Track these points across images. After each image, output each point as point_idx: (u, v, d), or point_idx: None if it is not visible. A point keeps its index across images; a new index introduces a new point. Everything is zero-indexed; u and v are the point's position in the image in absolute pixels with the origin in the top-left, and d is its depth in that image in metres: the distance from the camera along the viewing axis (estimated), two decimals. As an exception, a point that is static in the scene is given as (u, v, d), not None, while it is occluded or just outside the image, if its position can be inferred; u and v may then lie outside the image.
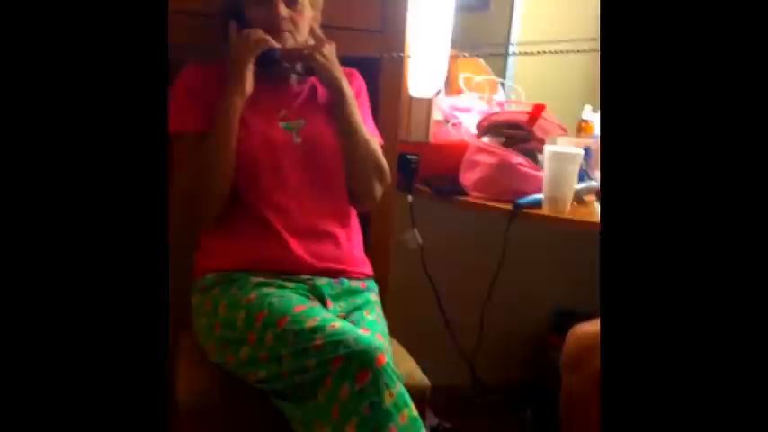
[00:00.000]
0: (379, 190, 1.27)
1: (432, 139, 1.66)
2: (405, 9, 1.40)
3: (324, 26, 1.29)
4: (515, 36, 1.88)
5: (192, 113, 1.18)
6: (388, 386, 0.96)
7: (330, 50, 1.21)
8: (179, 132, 1.18)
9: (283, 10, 1.18)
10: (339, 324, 1.02)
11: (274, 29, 1.18)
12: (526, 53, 1.56)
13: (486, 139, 1.60)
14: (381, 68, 1.40)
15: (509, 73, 1.88)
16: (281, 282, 1.14)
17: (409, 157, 1.60)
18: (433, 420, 1.68)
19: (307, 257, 1.17)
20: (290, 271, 1.16)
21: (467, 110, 1.74)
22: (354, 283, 1.21)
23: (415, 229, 1.62)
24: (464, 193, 1.59)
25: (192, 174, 1.15)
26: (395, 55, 1.39)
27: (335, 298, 1.17)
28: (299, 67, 1.24)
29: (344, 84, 1.21)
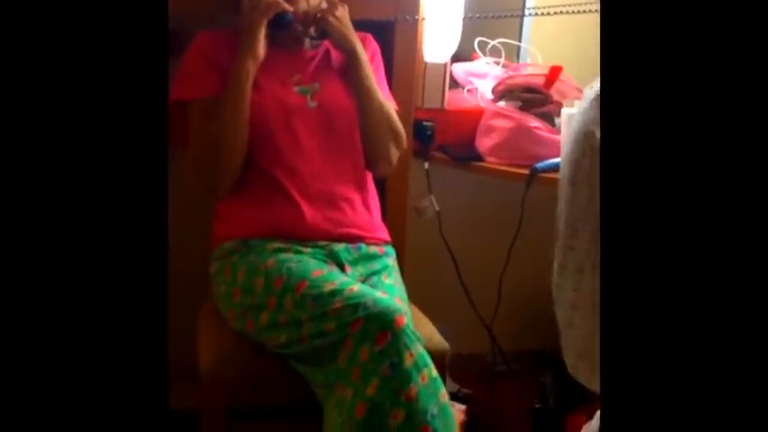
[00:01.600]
0: (395, 154, 1.26)
1: (447, 106, 1.64)
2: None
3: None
4: (530, -1, 1.83)
5: (206, 79, 1.18)
6: (407, 347, 0.96)
7: (343, 13, 1.19)
8: (193, 99, 1.18)
9: None
10: (357, 287, 1.02)
11: None
12: (542, 14, 1.52)
13: (502, 104, 1.58)
14: (395, 32, 1.38)
15: (525, 35, 1.84)
16: (298, 247, 1.14)
17: (425, 123, 1.58)
18: (453, 387, 1.68)
19: (323, 224, 1.17)
20: (307, 238, 1.16)
21: (482, 75, 1.71)
22: (372, 249, 1.21)
23: (432, 196, 1.60)
24: (481, 159, 1.57)
25: (207, 139, 1.15)
26: (409, 18, 1.36)
27: (353, 263, 1.17)
28: (312, 30, 1.22)
29: (358, 46, 1.20)
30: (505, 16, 1.60)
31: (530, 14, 1.66)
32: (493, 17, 1.54)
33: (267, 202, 1.17)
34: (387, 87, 1.30)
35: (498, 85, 1.60)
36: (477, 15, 1.51)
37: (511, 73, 1.65)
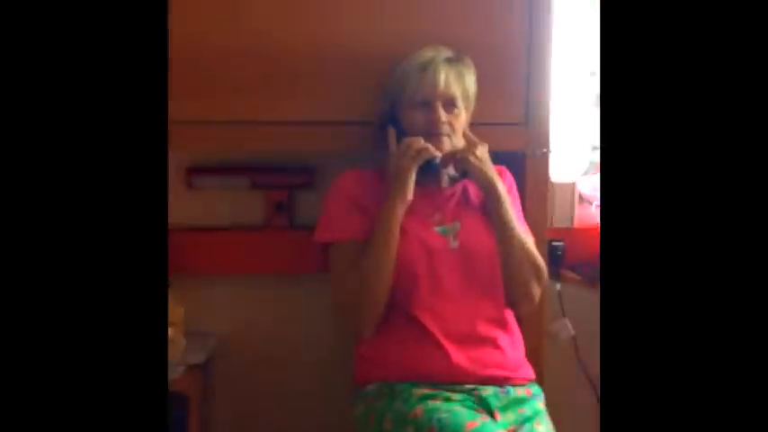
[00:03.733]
0: (537, 291, 1.22)
1: (576, 224, 1.60)
2: (548, 99, 1.38)
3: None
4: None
5: (351, 222, 1.20)
6: None
7: (483, 152, 1.20)
8: (337, 241, 1.21)
9: (443, 114, 1.19)
10: (516, 445, 0.97)
11: (433, 133, 1.19)
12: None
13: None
14: (527, 162, 1.37)
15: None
16: (446, 394, 1.11)
17: (554, 243, 1.54)
18: None
19: (469, 366, 1.14)
20: (452, 381, 1.13)
21: (609, 189, 1.67)
22: (521, 392, 1.17)
23: (566, 319, 1.55)
24: (617, 280, 1.51)
25: (354, 283, 1.16)
26: (538, 152, 1.36)
27: (503, 409, 1.13)
28: (451, 168, 1.24)
29: (500, 186, 1.19)
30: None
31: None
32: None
33: (410, 345, 1.16)
34: (523, 219, 1.28)
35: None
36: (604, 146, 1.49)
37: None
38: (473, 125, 1.29)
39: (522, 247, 1.19)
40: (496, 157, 1.29)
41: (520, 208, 1.29)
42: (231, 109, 1.32)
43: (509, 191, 1.26)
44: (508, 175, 1.31)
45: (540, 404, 1.19)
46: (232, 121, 1.32)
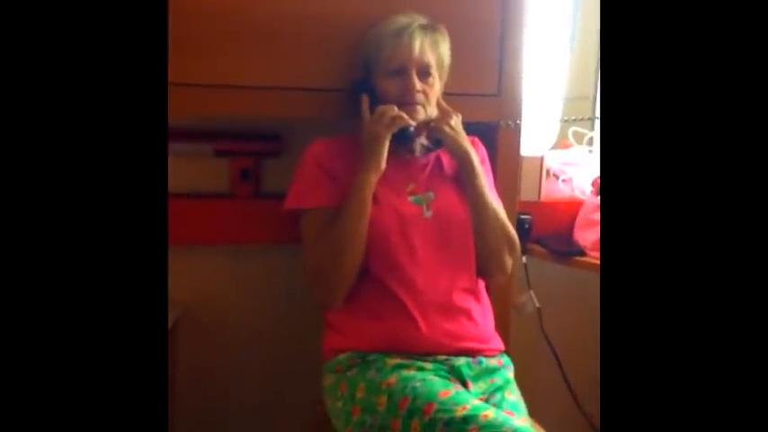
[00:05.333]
0: (509, 262, 1.23)
1: (543, 198, 1.61)
2: (521, 71, 1.37)
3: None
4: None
5: (323, 189, 1.17)
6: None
7: (457, 122, 1.18)
8: (308, 208, 1.18)
9: (417, 83, 1.17)
10: (492, 414, 0.97)
11: (407, 102, 1.16)
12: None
13: (605, 198, 1.54)
14: (499, 133, 1.37)
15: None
16: (419, 363, 1.10)
17: (522, 216, 1.55)
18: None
19: (442, 338, 1.13)
20: (425, 352, 1.12)
21: (576, 164, 1.69)
22: (492, 362, 1.17)
23: (531, 292, 1.56)
24: (582, 253, 1.53)
25: (325, 250, 1.13)
26: (511, 123, 1.36)
27: (475, 379, 1.13)
28: (424, 138, 1.22)
29: (474, 156, 1.18)
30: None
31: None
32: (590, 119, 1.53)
33: (383, 315, 1.15)
34: (495, 190, 1.28)
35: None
36: (574, 119, 1.51)
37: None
38: (446, 95, 1.27)
39: (496, 218, 1.19)
40: (468, 128, 1.28)
41: (492, 179, 1.29)
42: (194, 71, 1.25)
43: (482, 161, 1.25)
44: (480, 145, 1.30)
45: (509, 374, 1.19)
46: (195, 83, 1.26)
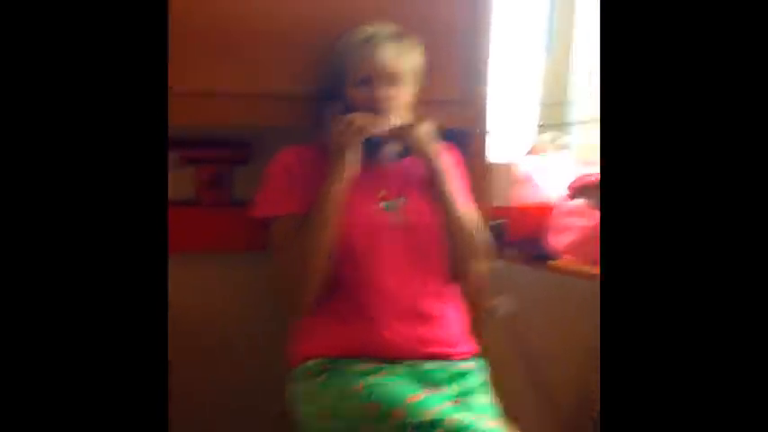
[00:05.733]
0: (481, 267, 1.22)
1: (514, 203, 1.62)
2: (486, 78, 1.37)
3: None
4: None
5: (292, 196, 1.16)
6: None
7: (428, 129, 1.18)
8: (277, 215, 1.17)
9: (386, 91, 1.16)
10: (459, 417, 0.97)
11: (375, 110, 1.15)
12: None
13: (578, 202, 1.54)
14: (467, 140, 1.36)
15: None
16: (389, 368, 1.09)
17: (494, 222, 1.55)
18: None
19: (411, 343, 1.12)
20: (394, 357, 1.12)
21: (545, 169, 1.70)
22: (463, 365, 1.16)
23: (505, 295, 1.56)
24: (555, 258, 1.53)
25: (293, 258, 1.12)
26: (479, 130, 1.36)
27: (448, 381, 1.12)
28: (395, 144, 1.21)
29: (443, 162, 1.18)
30: (576, 124, 1.60)
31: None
32: (564, 125, 1.54)
33: (352, 320, 1.13)
34: (470, 196, 1.27)
35: (576, 182, 1.58)
36: (544, 123, 1.52)
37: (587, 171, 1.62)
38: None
39: (465, 223, 1.19)
40: (443, 134, 1.27)
41: (468, 184, 1.28)
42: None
43: (457, 166, 1.25)
44: (455, 151, 1.29)
45: (482, 377, 1.19)
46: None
